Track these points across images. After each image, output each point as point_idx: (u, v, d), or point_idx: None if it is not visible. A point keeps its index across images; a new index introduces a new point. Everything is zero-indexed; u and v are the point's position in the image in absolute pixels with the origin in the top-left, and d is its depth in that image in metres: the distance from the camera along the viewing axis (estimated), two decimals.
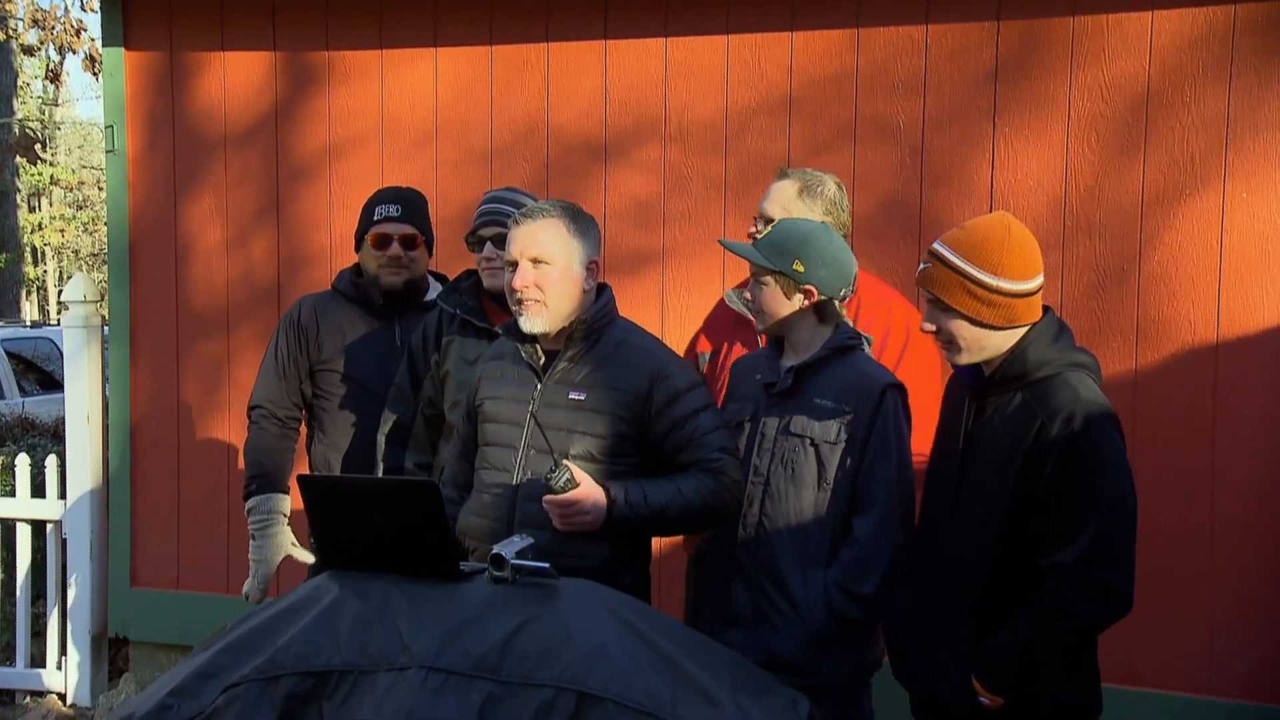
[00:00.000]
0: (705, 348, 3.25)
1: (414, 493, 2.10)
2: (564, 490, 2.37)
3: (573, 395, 2.52)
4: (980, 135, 3.64)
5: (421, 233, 3.27)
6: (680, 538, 2.99)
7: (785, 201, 2.98)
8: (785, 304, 2.54)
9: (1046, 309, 2.33)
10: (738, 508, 2.54)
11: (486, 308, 3.00)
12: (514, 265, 2.52)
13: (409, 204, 3.27)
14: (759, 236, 2.86)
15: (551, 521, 2.43)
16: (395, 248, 3.21)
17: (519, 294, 2.51)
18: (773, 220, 2.96)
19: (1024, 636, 2.20)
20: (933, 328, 2.32)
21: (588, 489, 2.41)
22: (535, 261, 2.50)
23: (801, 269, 2.50)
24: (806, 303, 2.53)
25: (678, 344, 3.41)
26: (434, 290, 3.35)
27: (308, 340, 3.27)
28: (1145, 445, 3.38)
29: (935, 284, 2.28)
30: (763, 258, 2.53)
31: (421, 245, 3.28)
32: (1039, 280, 2.28)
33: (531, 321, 2.51)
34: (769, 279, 2.54)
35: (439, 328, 3.05)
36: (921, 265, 2.34)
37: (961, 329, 2.27)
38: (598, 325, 2.57)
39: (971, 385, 2.37)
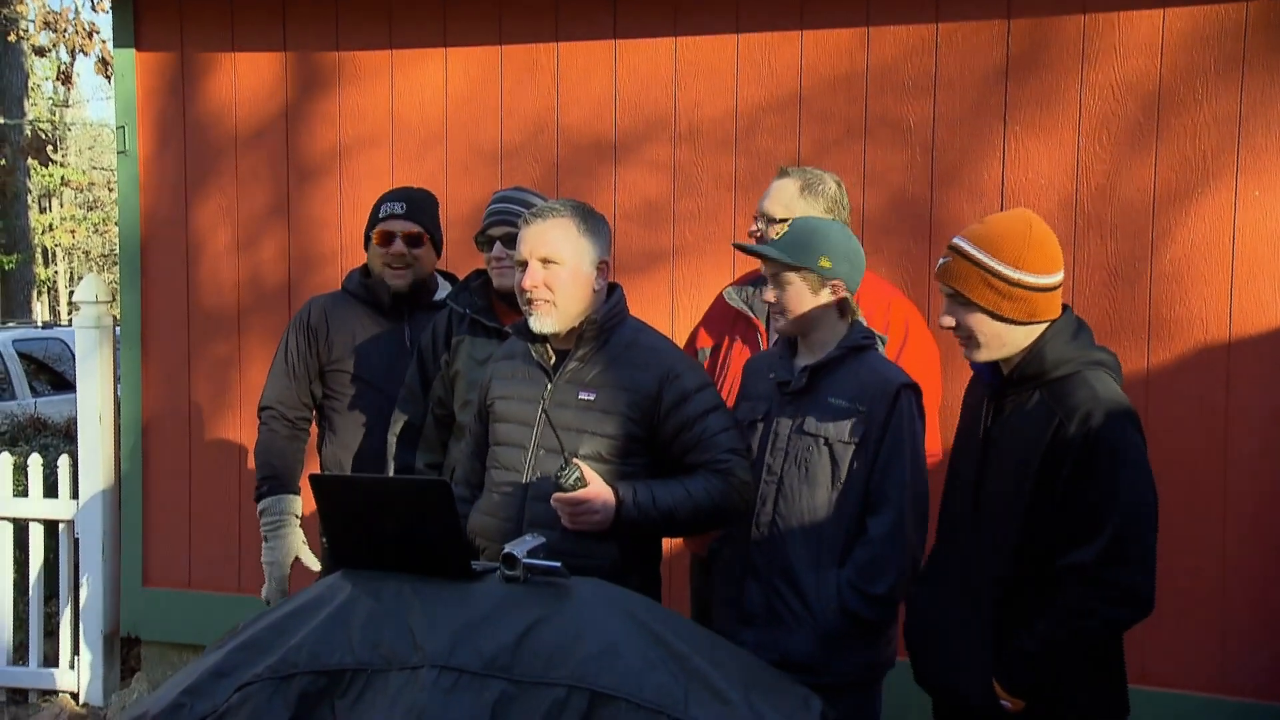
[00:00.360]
0: (705, 343, 3.25)
1: (426, 492, 2.09)
2: (573, 489, 2.38)
3: (583, 395, 2.51)
4: (991, 134, 3.63)
5: (427, 231, 3.27)
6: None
7: (787, 200, 2.97)
8: (811, 300, 2.52)
9: (1066, 307, 2.31)
10: (747, 509, 2.53)
11: (496, 307, 3.00)
12: (523, 265, 2.52)
13: (414, 202, 3.27)
14: (771, 236, 2.85)
15: (561, 521, 2.43)
16: (398, 245, 3.21)
17: (528, 294, 2.50)
18: (774, 218, 2.95)
19: (1044, 638, 2.18)
20: (951, 322, 2.30)
21: (597, 488, 2.40)
22: (545, 261, 2.50)
23: (828, 264, 2.49)
24: (833, 298, 2.53)
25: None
26: (443, 290, 3.35)
27: (318, 341, 3.27)
28: (1157, 443, 3.33)
29: (955, 277, 2.26)
30: (788, 256, 2.52)
31: (427, 243, 3.28)
32: (1059, 276, 2.26)
33: (541, 321, 2.51)
34: (793, 277, 2.52)
35: (448, 327, 3.06)
36: (941, 260, 2.32)
37: (981, 323, 2.26)
38: (608, 325, 2.56)
39: (990, 384, 2.36)
